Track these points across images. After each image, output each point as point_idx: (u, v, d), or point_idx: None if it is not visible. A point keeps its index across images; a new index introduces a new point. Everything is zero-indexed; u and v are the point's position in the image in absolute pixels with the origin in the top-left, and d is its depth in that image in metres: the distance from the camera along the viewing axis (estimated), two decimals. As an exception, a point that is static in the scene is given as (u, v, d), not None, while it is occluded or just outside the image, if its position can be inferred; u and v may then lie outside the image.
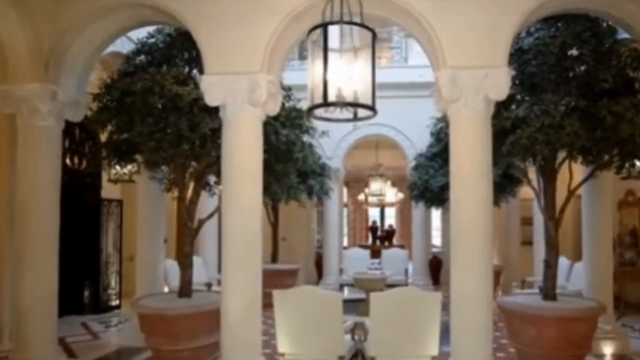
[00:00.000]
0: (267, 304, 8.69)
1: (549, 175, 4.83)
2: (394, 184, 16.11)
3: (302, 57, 11.03)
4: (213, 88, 3.95)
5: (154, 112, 4.13)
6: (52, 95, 4.19)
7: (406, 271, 9.70)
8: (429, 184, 8.25)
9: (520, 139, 4.10)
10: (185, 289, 5.12)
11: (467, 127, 3.89)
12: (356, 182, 19.03)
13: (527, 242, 10.30)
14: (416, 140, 9.82)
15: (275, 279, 9.01)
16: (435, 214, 13.54)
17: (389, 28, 10.77)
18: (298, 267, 9.36)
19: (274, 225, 9.43)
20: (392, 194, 16.34)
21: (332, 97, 2.77)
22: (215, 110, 4.12)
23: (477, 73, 3.77)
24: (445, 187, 8.27)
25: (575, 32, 4.22)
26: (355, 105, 2.89)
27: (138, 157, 5.48)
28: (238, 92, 3.94)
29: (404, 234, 20.19)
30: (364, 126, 10.11)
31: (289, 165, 5.06)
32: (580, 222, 9.75)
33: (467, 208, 3.83)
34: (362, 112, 3.05)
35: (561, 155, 4.82)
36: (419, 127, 9.63)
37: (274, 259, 9.31)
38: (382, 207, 18.88)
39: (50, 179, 4.31)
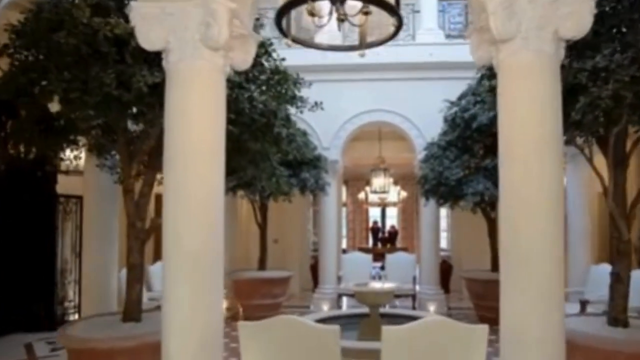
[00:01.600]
0: (254, 316, 7.13)
1: (620, 158, 3.56)
2: (396, 183, 14.90)
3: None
4: (149, 23, 2.67)
5: (68, 61, 2.85)
6: None
7: (414, 279, 8.42)
8: (443, 177, 6.99)
9: (599, 100, 2.83)
10: (131, 311, 3.86)
11: (526, 78, 2.61)
12: (356, 180, 17.80)
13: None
14: (425, 128, 8.56)
15: (263, 289, 7.76)
16: (442, 214, 12.27)
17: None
18: (290, 274, 8.09)
19: (262, 226, 8.15)
20: (395, 193, 15.14)
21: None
22: (158, 58, 2.85)
23: (544, -5, 2.51)
24: (462, 181, 7.05)
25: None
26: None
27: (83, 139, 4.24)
28: (186, 29, 2.66)
29: (406, 235, 18.96)
30: (364, 113, 8.87)
31: (269, 144, 3.79)
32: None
33: (528, 204, 2.55)
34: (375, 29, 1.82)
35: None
36: (428, 114, 8.40)
37: (262, 265, 8.02)
38: (383, 206, 17.63)
39: None
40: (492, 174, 6.81)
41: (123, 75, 2.85)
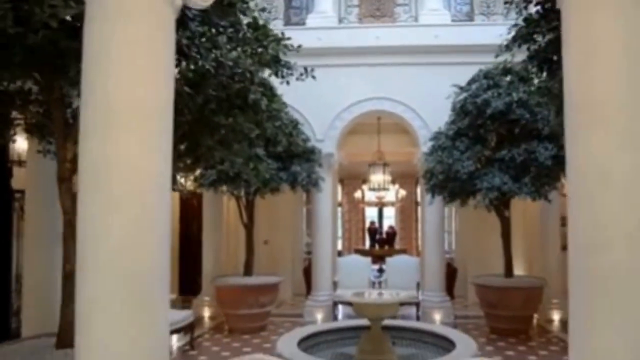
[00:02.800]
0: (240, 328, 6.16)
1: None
2: (394, 181, 14.06)
3: (290, 22, 8.94)
4: None
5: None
6: None
7: (418, 285, 7.58)
8: (453, 170, 6.14)
9: None
10: (66, 334, 2.99)
11: (613, 6, 1.77)
12: (352, 179, 16.99)
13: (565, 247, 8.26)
14: (430, 118, 7.74)
15: (250, 297, 6.87)
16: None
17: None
18: (279, 280, 7.23)
19: (249, 227, 7.28)
20: (393, 192, 14.31)
21: None
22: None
23: None
24: (474, 175, 6.22)
25: None
26: None
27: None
28: None
29: (404, 236, 18.14)
30: (363, 101, 8.03)
31: (247, 119, 2.93)
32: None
33: (621, 195, 1.72)
34: None
35: None
36: (433, 102, 7.61)
37: (248, 270, 7.16)
38: (381, 206, 16.78)
39: None
40: (509, 167, 6.00)
41: (24, 7, 1.99)
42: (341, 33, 8.12)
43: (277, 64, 3.07)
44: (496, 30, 8.15)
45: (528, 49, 3.68)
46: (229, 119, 2.81)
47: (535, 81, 3.69)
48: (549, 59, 3.20)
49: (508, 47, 3.68)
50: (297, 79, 3.27)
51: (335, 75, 7.91)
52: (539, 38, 3.57)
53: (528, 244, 8.58)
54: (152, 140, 1.93)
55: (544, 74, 3.64)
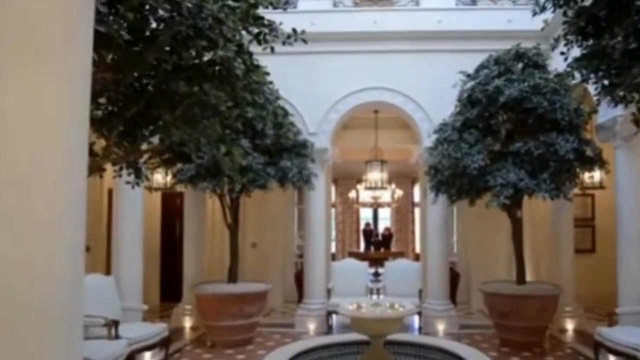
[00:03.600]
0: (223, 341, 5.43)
1: None
2: (390, 181, 13.42)
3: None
4: None
5: None
6: None
7: (420, 292, 6.92)
8: (460, 165, 5.48)
9: None
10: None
11: None
12: (346, 179, 16.35)
13: (579, 250, 7.66)
14: (432, 109, 7.10)
15: (233, 307, 6.12)
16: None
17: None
18: (267, 287, 6.51)
19: (233, 228, 6.56)
20: (389, 192, 13.67)
21: None
22: None
23: None
24: (485, 170, 5.57)
25: None
26: None
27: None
28: None
29: (400, 238, 17.51)
30: (359, 92, 7.37)
31: (212, 85, 2.23)
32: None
33: None
34: None
35: None
36: (436, 92, 6.98)
37: (232, 276, 6.45)
38: (376, 207, 16.13)
39: None
40: (523, 161, 5.36)
41: None
42: (336, 17, 7.46)
43: (256, 22, 2.38)
44: (503, 15, 7.66)
45: (564, 13, 3.04)
46: (191, 87, 2.12)
47: (576, 51, 3.01)
48: (596, 17, 2.57)
49: (544, 8, 3.04)
50: (284, 42, 2.58)
51: (330, 63, 7.27)
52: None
53: (536, 246, 7.96)
54: (52, 87, 1.24)
55: (583, 43, 2.99)
